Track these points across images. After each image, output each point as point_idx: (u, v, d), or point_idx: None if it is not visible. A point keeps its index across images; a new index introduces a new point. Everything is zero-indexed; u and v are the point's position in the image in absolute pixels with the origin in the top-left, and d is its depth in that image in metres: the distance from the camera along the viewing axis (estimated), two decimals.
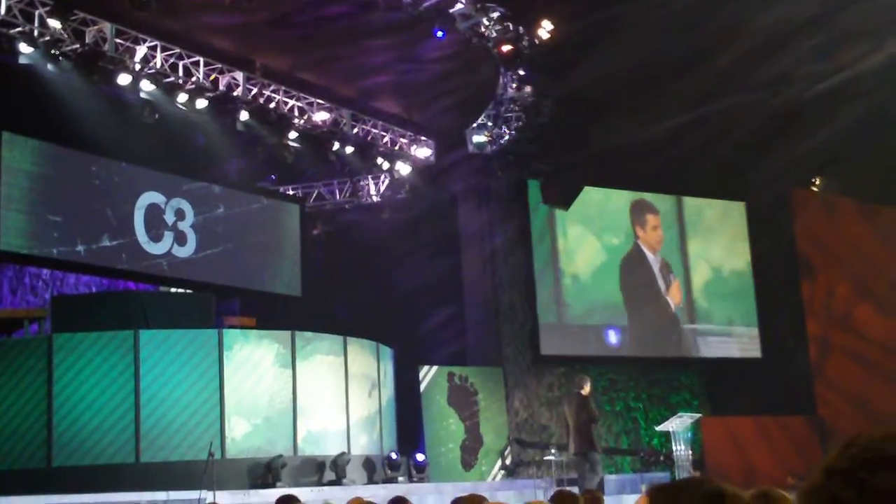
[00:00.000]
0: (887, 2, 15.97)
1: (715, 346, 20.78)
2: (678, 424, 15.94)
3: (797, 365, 19.86)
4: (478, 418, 18.04)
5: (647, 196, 20.94)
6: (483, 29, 15.77)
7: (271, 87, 16.77)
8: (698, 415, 17.17)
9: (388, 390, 16.29)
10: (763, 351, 20.97)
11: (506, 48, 16.01)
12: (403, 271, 19.02)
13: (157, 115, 15.63)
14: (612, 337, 19.99)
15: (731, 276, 21.38)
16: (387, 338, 16.51)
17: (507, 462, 18.16)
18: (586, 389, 14.10)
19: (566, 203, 17.81)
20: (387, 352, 16.36)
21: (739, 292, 21.37)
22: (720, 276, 21.31)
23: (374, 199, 20.13)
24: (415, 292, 18.75)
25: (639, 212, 20.79)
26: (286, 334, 14.37)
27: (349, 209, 20.17)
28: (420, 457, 16.06)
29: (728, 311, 21.15)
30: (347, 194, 20.21)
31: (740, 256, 21.56)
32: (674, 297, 20.59)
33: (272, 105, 16.76)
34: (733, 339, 21.00)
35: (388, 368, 16.33)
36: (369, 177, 20.01)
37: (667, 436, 17.08)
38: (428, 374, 17.79)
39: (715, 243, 21.38)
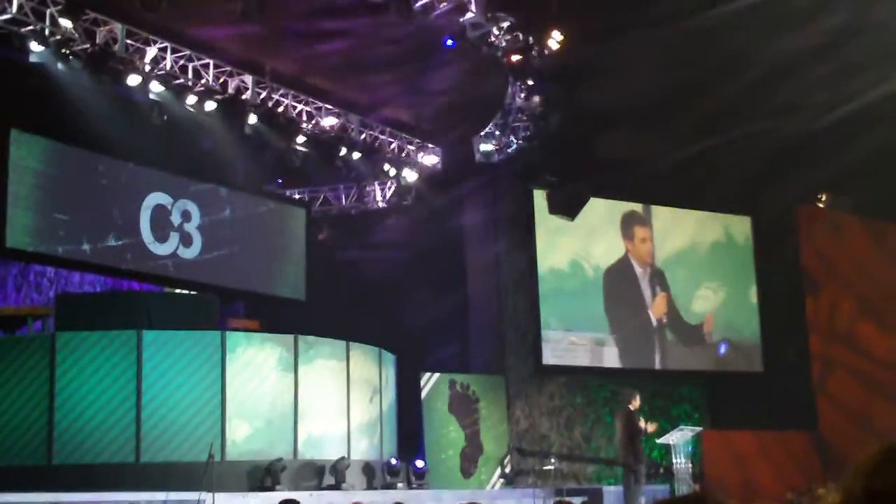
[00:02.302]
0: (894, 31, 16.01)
1: (713, 359, 20.83)
2: (679, 437, 15.95)
3: (799, 380, 19.81)
4: (478, 426, 18.04)
5: (653, 209, 20.86)
6: (493, 38, 15.77)
7: (280, 92, 16.80)
8: (699, 428, 17.17)
9: (390, 396, 16.29)
10: (765, 365, 20.90)
11: (515, 58, 16.02)
12: (407, 280, 19.11)
13: (165, 117, 15.67)
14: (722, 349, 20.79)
15: (735, 289, 21.31)
16: (389, 343, 16.50)
17: (507, 470, 18.13)
18: (635, 404, 14.43)
19: (572, 213, 17.81)
20: (389, 357, 16.36)
21: (742, 305, 21.33)
22: (724, 288, 21.23)
23: (380, 204, 20.14)
24: (419, 303, 18.78)
25: (628, 224, 20.62)
26: (289, 338, 14.40)
27: (355, 214, 20.18)
28: (420, 463, 16.06)
29: (730, 323, 21.16)
30: (353, 199, 20.22)
31: (744, 271, 21.49)
32: (656, 310, 20.49)
33: (280, 109, 16.79)
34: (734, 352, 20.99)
35: (389, 374, 16.33)
36: (376, 183, 20.00)
37: (667, 448, 17.02)
38: (429, 381, 17.79)
39: (719, 257, 21.31)
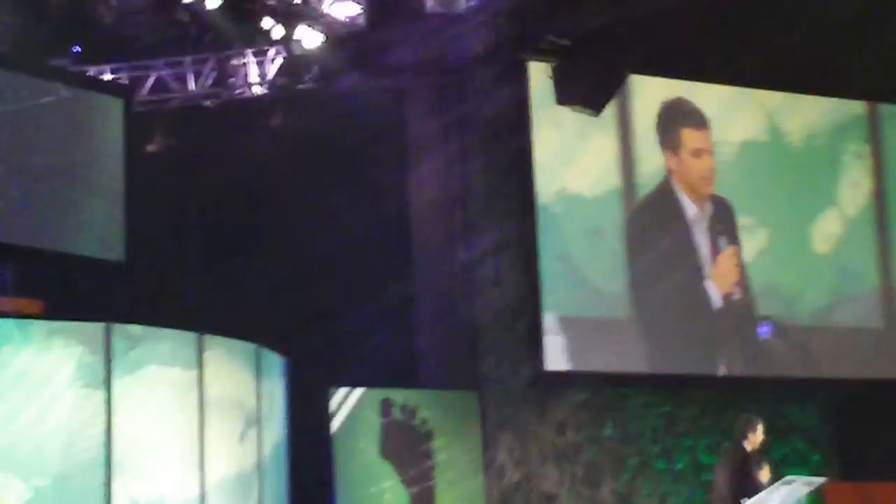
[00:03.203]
0: None
1: (833, 358, 21.06)
2: (785, 496, 15.64)
3: None
4: (433, 480, 18.12)
5: (715, 90, 21.12)
6: None
7: None
8: (821, 479, 16.92)
9: (276, 429, 16.31)
10: None
11: None
12: (305, 222, 19.26)
13: None
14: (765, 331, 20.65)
15: (786, 227, 21.56)
16: (274, 337, 16.52)
17: None
18: (754, 440, 14.99)
19: (596, 102, 17.76)
20: (274, 362, 16.39)
21: (797, 255, 21.58)
22: (764, 226, 21.46)
23: (257, 90, 20.04)
24: (325, 260, 18.88)
25: (670, 123, 20.89)
26: (96, 329, 14.29)
27: (213, 108, 20.07)
28: None
29: (775, 287, 21.40)
30: (209, 82, 20.08)
31: (804, 195, 21.83)
32: (720, 278, 20.81)
33: None
34: (861, 339, 21.30)
35: (275, 390, 16.35)
36: (249, 53, 19.93)
37: None
38: (347, 403, 17.81)
39: (756, 170, 21.55)
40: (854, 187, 21.97)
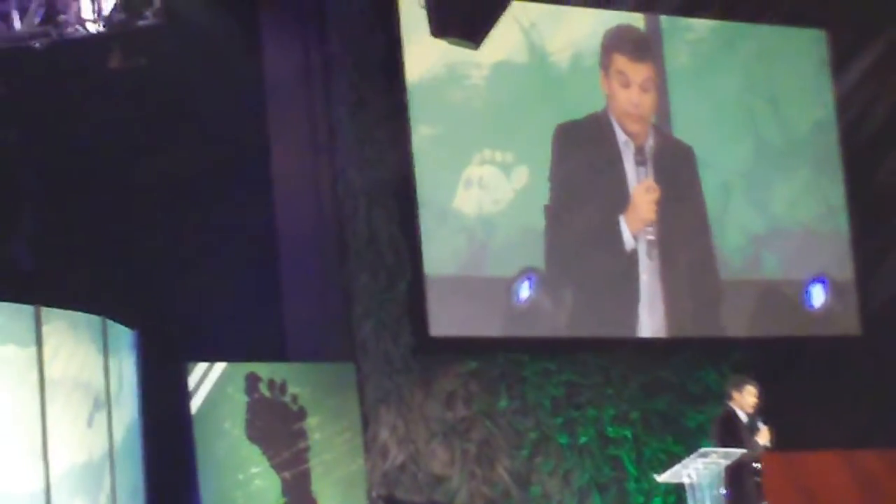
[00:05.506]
0: None
1: (758, 317, 21.48)
2: (701, 469, 16.11)
3: None
4: (307, 463, 18.14)
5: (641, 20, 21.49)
6: None
7: None
8: (740, 451, 16.87)
9: (128, 411, 16.29)
10: (864, 322, 21.53)
11: None
12: (152, 177, 18.96)
13: None
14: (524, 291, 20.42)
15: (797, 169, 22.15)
16: (123, 309, 16.51)
17: None
18: (742, 401, 15.91)
19: (475, 33, 17.62)
20: (123, 336, 16.36)
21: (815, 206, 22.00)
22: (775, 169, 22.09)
23: (93, 28, 19.57)
24: (176, 219, 18.78)
25: (612, 51, 21.26)
26: None
27: (40, 49, 19.61)
28: None
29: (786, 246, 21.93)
30: (36, 20, 19.62)
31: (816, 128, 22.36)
32: (634, 213, 21.12)
33: None
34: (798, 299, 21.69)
35: (126, 368, 16.31)
36: None
37: (678, 493, 17.42)
38: (207, 379, 17.74)
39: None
40: None
